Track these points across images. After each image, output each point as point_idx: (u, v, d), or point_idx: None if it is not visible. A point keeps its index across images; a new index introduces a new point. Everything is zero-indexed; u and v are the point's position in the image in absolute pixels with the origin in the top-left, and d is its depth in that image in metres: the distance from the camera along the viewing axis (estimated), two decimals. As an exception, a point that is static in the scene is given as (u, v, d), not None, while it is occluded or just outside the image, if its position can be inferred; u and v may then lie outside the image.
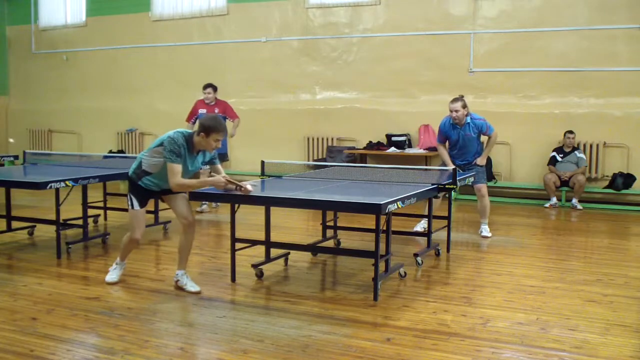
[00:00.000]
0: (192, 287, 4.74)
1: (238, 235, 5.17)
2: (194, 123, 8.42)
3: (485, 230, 6.95)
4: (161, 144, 4.49)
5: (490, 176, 9.63)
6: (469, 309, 4.36)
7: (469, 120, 6.70)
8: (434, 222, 6.02)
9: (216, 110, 8.34)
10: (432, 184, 5.30)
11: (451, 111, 6.66)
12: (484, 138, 7.04)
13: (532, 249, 6.44)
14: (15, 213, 6.78)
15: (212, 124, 4.42)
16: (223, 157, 8.33)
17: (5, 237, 6.56)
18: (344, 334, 3.82)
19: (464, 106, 6.64)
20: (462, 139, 6.76)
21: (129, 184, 4.77)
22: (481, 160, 6.84)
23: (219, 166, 4.92)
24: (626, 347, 3.67)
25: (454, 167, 5.93)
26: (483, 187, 6.90)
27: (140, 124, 12.44)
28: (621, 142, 9.24)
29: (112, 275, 4.99)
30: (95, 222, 7.57)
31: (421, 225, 7.05)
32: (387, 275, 4.95)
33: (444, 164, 6.86)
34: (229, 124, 8.30)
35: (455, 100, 6.68)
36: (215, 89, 8.54)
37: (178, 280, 4.80)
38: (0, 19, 13.99)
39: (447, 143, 6.99)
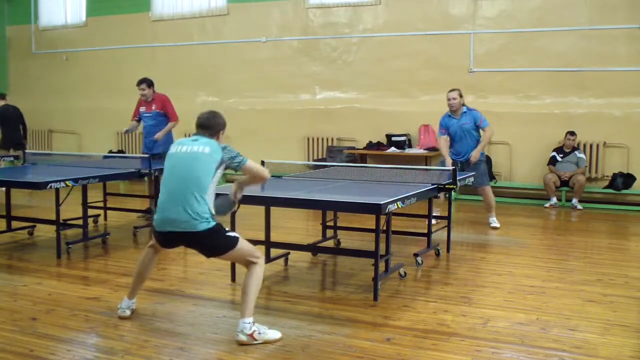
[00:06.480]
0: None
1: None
2: (138, 121, 7.98)
3: (494, 222, 7.41)
4: (221, 158, 3.89)
5: (491, 176, 9.63)
6: (469, 309, 4.36)
7: (465, 110, 7.13)
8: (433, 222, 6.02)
9: (153, 107, 7.74)
10: (432, 184, 5.31)
11: (449, 99, 7.12)
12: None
13: (532, 249, 6.44)
14: (15, 213, 6.79)
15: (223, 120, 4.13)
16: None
17: (5, 237, 6.56)
18: (344, 334, 3.82)
19: (461, 95, 7.11)
20: (461, 130, 7.13)
21: (216, 230, 3.75)
22: (475, 154, 7.08)
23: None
24: (626, 347, 3.68)
25: (452, 165, 6.22)
26: (485, 189, 7.34)
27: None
28: (621, 142, 9.24)
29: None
30: (95, 222, 7.57)
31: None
32: (387, 275, 4.95)
33: (443, 160, 7.20)
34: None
35: (452, 90, 7.17)
36: (149, 84, 7.69)
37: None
38: (0, 19, 13.99)
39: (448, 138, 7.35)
